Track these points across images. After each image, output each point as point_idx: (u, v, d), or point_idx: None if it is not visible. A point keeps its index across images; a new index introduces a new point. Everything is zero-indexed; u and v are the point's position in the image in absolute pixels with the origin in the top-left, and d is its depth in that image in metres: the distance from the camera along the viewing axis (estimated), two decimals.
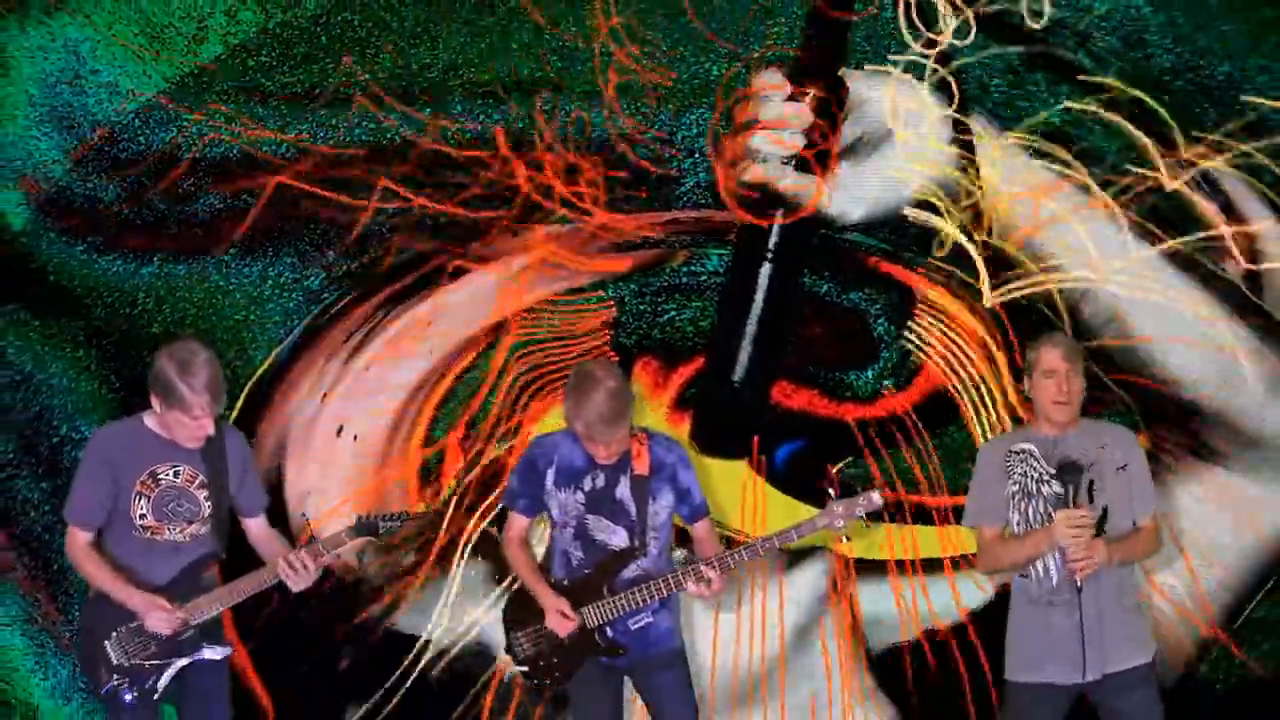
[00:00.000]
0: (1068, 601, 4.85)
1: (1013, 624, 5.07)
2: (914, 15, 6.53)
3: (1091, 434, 5.02)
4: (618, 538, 5.16)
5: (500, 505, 5.46)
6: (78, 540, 5.01)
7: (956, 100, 6.57)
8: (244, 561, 5.20)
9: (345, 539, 5.13)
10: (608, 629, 5.16)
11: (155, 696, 5.00)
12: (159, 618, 4.93)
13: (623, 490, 5.15)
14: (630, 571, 5.16)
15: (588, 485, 5.16)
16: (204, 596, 5.04)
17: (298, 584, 5.02)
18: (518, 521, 5.30)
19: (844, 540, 5.62)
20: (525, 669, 5.23)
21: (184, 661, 5.03)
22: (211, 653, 5.07)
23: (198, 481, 5.04)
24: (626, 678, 5.31)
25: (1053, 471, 4.91)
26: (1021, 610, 5.03)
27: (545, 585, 5.19)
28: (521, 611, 5.26)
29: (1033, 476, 4.96)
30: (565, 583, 5.20)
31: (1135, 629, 4.99)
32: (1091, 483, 4.90)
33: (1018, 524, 5.02)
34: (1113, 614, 4.89)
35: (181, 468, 5.02)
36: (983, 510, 5.07)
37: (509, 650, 5.28)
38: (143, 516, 4.98)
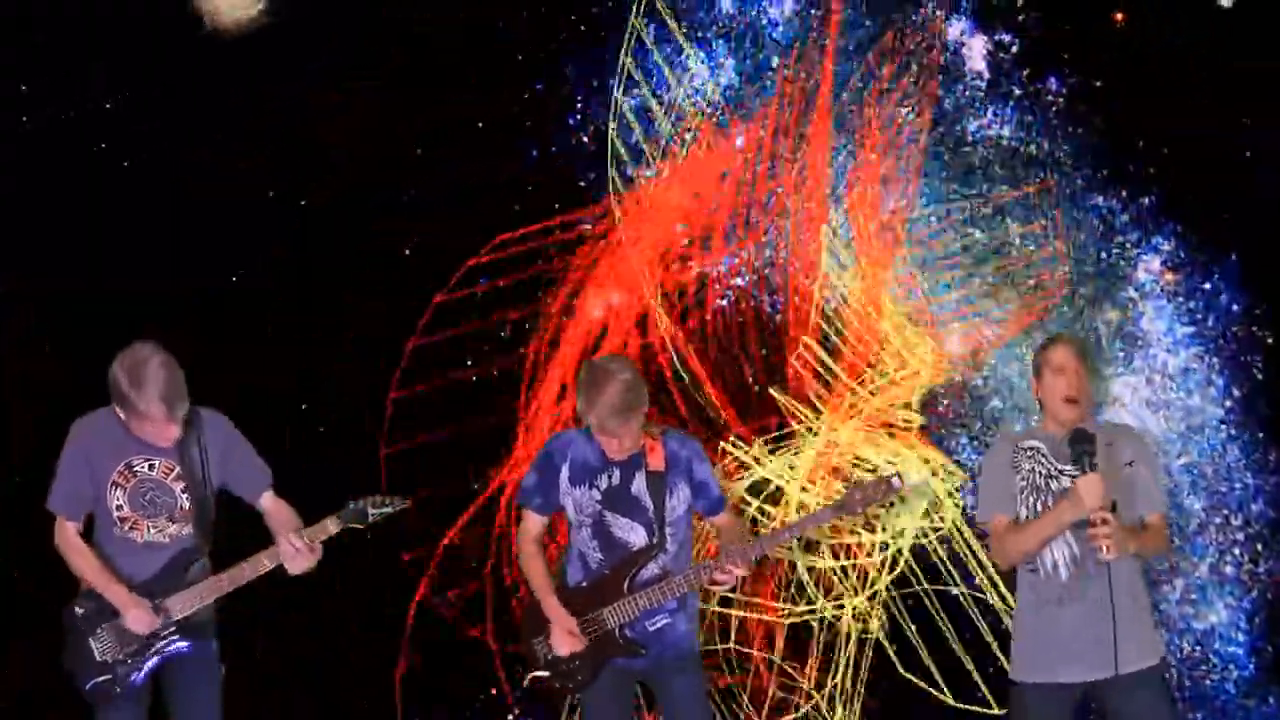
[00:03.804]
0: (1080, 599, 4.77)
1: (1020, 624, 4.98)
2: None
3: (1099, 433, 4.88)
4: (637, 535, 5.12)
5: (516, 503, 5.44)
6: (65, 531, 5.00)
7: None
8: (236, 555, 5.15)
9: (332, 526, 5.08)
10: (627, 629, 5.12)
11: (137, 689, 4.99)
12: (137, 616, 4.91)
13: (638, 486, 5.10)
14: (649, 569, 5.12)
15: (604, 483, 5.12)
16: (187, 591, 5.00)
17: (297, 567, 5.00)
18: (533, 521, 5.25)
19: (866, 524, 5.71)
20: (547, 673, 5.19)
21: (160, 657, 5.01)
22: (188, 647, 5.03)
23: (174, 474, 5.00)
24: (636, 685, 5.33)
25: (1061, 468, 4.81)
26: (1029, 609, 4.93)
27: (554, 598, 5.15)
28: (540, 616, 5.20)
29: (1041, 472, 4.88)
30: (584, 584, 5.18)
31: (1146, 630, 4.88)
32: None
33: (1025, 519, 4.91)
34: (1125, 613, 4.76)
35: (157, 460, 4.98)
36: (993, 501, 4.96)
37: (528, 655, 5.23)
38: (119, 508, 4.96)
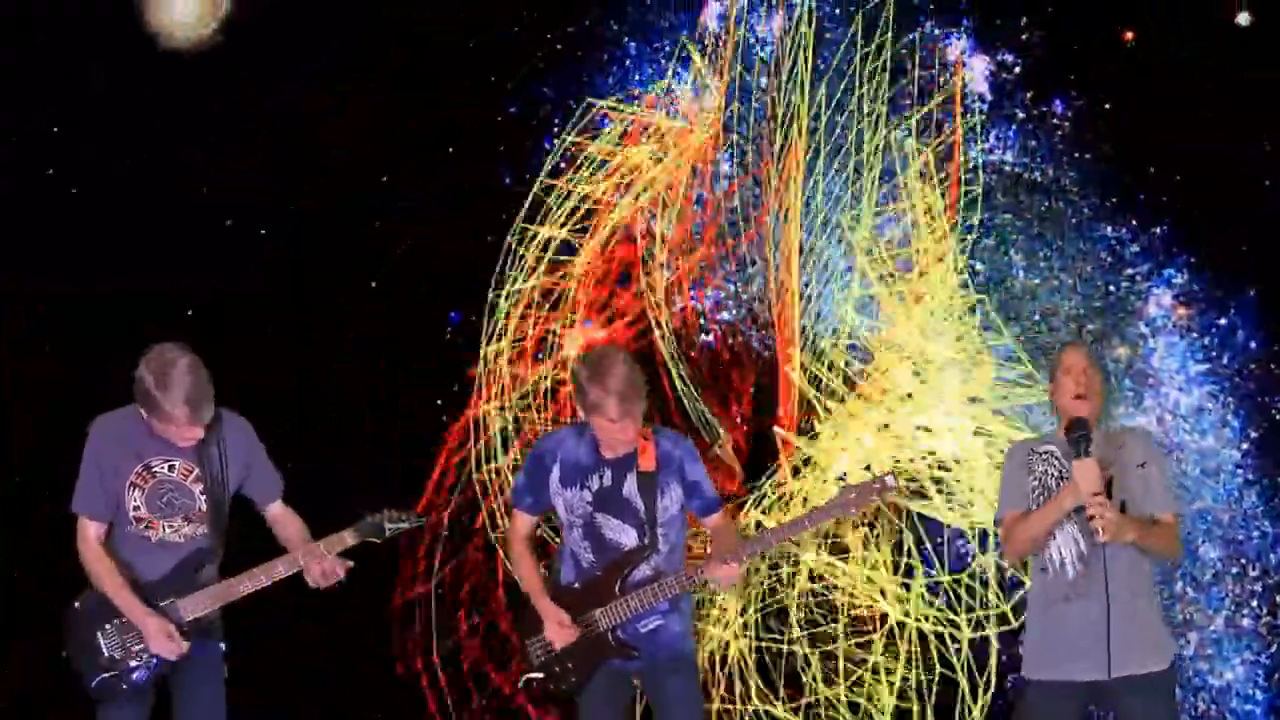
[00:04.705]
0: (1086, 596, 4.86)
1: (1030, 621, 5.10)
2: None
3: (1111, 436, 5.10)
4: (628, 536, 5.10)
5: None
6: (88, 534, 4.98)
7: None
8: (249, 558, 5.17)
9: (349, 539, 5.12)
10: (620, 630, 5.12)
11: (141, 687, 4.98)
12: (165, 645, 4.91)
13: (629, 487, 5.07)
14: (641, 571, 5.11)
15: (595, 484, 5.10)
16: (201, 593, 5.02)
17: (318, 581, 5.08)
18: (522, 521, 5.26)
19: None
20: (541, 675, 5.19)
21: (173, 657, 4.97)
22: (195, 648, 5.00)
23: (193, 476, 5.01)
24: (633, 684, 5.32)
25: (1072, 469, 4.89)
26: (1039, 606, 5.04)
27: (543, 593, 5.17)
28: (534, 617, 5.20)
29: (1053, 474, 5.01)
30: (576, 585, 5.17)
31: (1154, 632, 4.96)
32: (1111, 478, 4.89)
33: None
34: (1132, 614, 4.86)
35: (176, 461, 4.99)
36: (1007, 499, 5.11)
37: (523, 656, 5.24)
38: (136, 509, 4.96)
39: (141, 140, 6.90)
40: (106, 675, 4.96)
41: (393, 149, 7.10)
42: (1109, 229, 6.94)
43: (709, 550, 5.38)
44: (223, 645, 5.15)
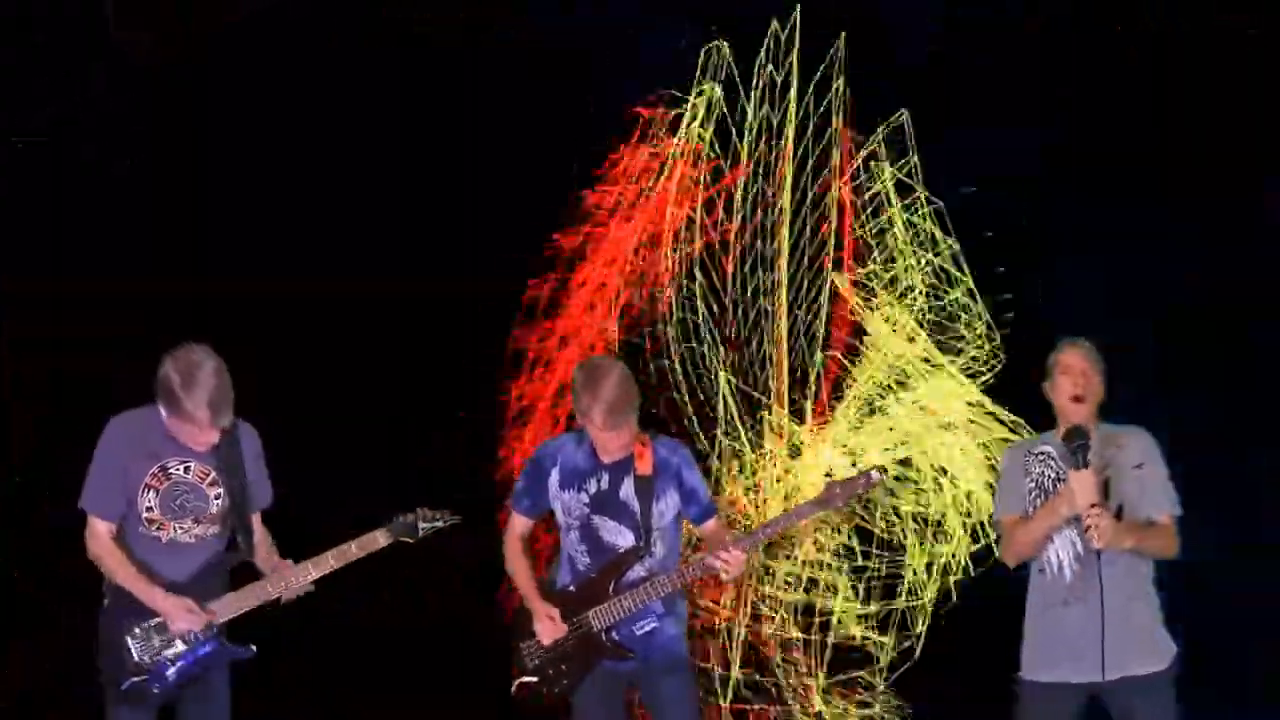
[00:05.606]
0: (1083, 599, 4.88)
1: (1028, 622, 5.10)
2: None
3: (1110, 435, 5.04)
4: (625, 539, 5.16)
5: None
6: (98, 532, 4.97)
7: None
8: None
9: (382, 539, 5.18)
10: (614, 632, 5.16)
11: (169, 689, 4.97)
12: (186, 618, 4.93)
13: (626, 490, 5.15)
14: (635, 572, 5.16)
15: (592, 487, 5.17)
16: (230, 595, 5.05)
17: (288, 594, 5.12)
18: (518, 523, 5.33)
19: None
20: (535, 678, 5.21)
21: (194, 657, 4.98)
22: (234, 653, 5.06)
23: (209, 479, 5.03)
24: (625, 688, 5.33)
25: (1069, 471, 4.88)
26: (1036, 608, 5.06)
27: (536, 592, 5.23)
28: (527, 620, 5.24)
29: (1050, 476, 5.02)
30: (571, 588, 5.24)
31: (1150, 634, 4.97)
32: (1108, 480, 4.90)
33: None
34: (1127, 616, 4.87)
35: (192, 464, 5.00)
36: (1004, 502, 5.14)
37: (517, 660, 5.27)
38: (149, 510, 4.96)
39: (141, 140, 7.04)
40: (136, 679, 4.93)
41: (392, 149, 7.19)
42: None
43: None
44: (253, 648, 5.12)
